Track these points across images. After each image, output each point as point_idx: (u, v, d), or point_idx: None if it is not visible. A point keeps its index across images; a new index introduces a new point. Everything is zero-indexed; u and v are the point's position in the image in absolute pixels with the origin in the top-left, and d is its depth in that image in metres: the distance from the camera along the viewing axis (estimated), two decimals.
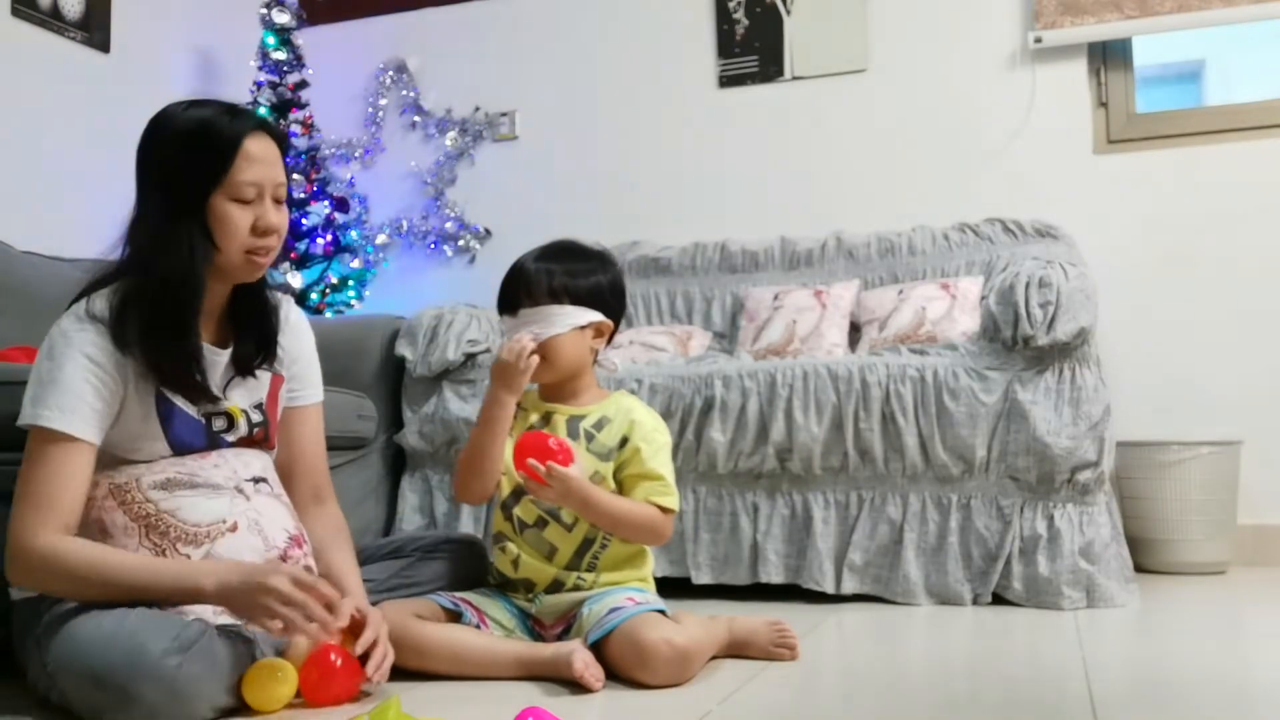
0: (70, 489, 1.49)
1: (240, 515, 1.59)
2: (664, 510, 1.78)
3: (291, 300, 1.85)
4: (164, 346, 1.55)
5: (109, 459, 1.58)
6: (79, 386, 1.50)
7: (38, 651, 1.48)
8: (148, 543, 1.51)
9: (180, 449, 1.60)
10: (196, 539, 1.54)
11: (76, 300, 1.57)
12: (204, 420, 1.63)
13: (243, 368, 1.68)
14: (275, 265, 3.67)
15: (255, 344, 1.70)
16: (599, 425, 1.82)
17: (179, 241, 1.54)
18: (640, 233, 3.52)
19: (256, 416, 1.70)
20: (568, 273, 1.82)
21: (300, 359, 1.81)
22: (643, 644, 1.59)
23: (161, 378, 1.56)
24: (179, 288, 1.54)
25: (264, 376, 1.73)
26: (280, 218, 1.61)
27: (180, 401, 1.60)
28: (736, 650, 1.81)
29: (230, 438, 1.66)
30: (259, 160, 1.57)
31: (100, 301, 1.55)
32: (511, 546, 1.81)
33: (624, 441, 1.81)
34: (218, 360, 1.66)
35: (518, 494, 1.82)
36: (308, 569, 1.69)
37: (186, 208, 1.54)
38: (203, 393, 1.60)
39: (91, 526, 1.53)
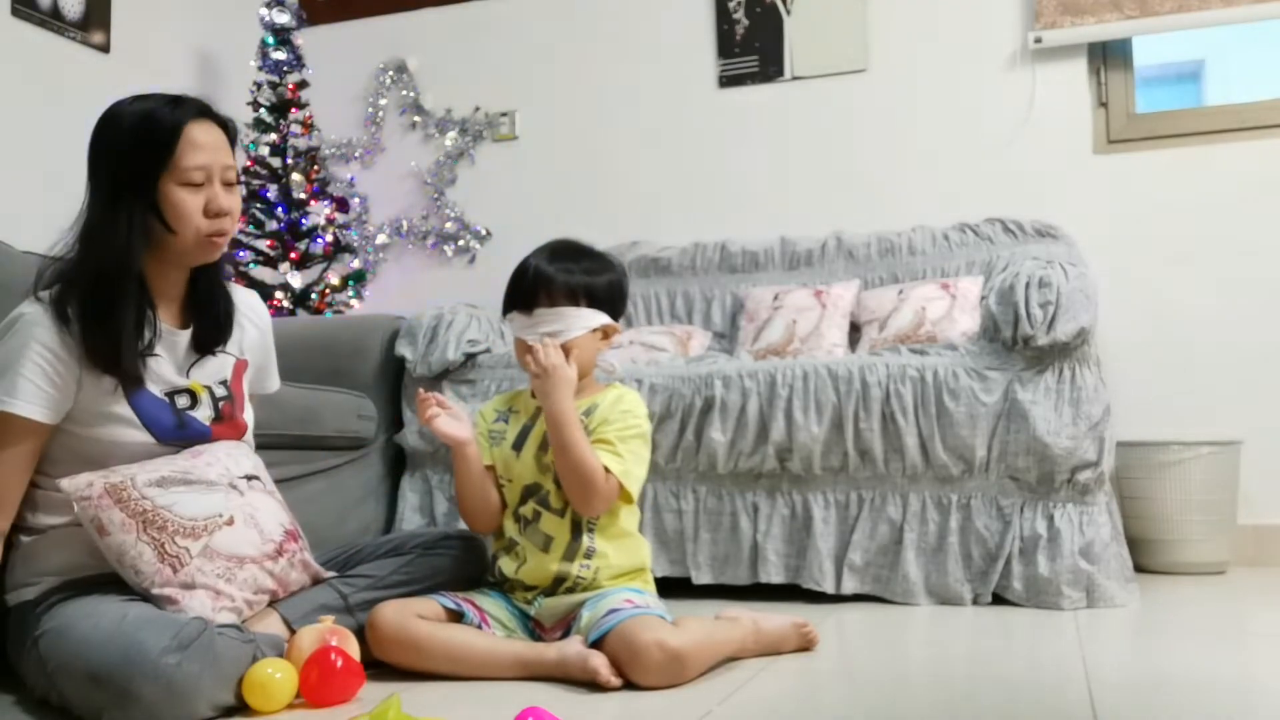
0: (3, 468, 1.53)
1: (236, 510, 1.61)
2: (609, 472, 1.77)
3: (256, 293, 1.90)
4: (95, 328, 1.57)
5: (93, 447, 1.60)
6: (28, 369, 1.53)
7: (36, 652, 1.48)
8: (145, 538, 1.52)
9: (153, 427, 1.63)
10: (194, 532, 1.55)
11: (33, 289, 1.61)
12: (167, 399, 1.66)
13: (203, 347, 1.73)
14: (275, 265, 3.70)
15: (214, 325, 1.75)
16: (588, 412, 1.84)
17: (118, 227, 1.58)
18: (640, 233, 3.52)
19: (221, 391, 1.74)
20: (586, 271, 1.85)
21: (267, 350, 1.89)
22: (635, 646, 1.59)
23: (93, 359, 1.57)
24: (112, 270, 1.58)
25: (226, 359, 1.77)
26: (231, 199, 1.65)
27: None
28: (767, 651, 1.83)
29: (197, 415, 1.69)
30: (203, 146, 1.62)
31: (52, 289, 1.60)
32: (520, 549, 1.83)
33: (604, 422, 1.84)
34: (177, 341, 1.70)
35: (524, 497, 1.85)
36: (303, 563, 1.71)
37: (130, 195, 1.59)
38: (127, 376, 1.61)
39: (89, 526, 1.53)
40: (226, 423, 1.74)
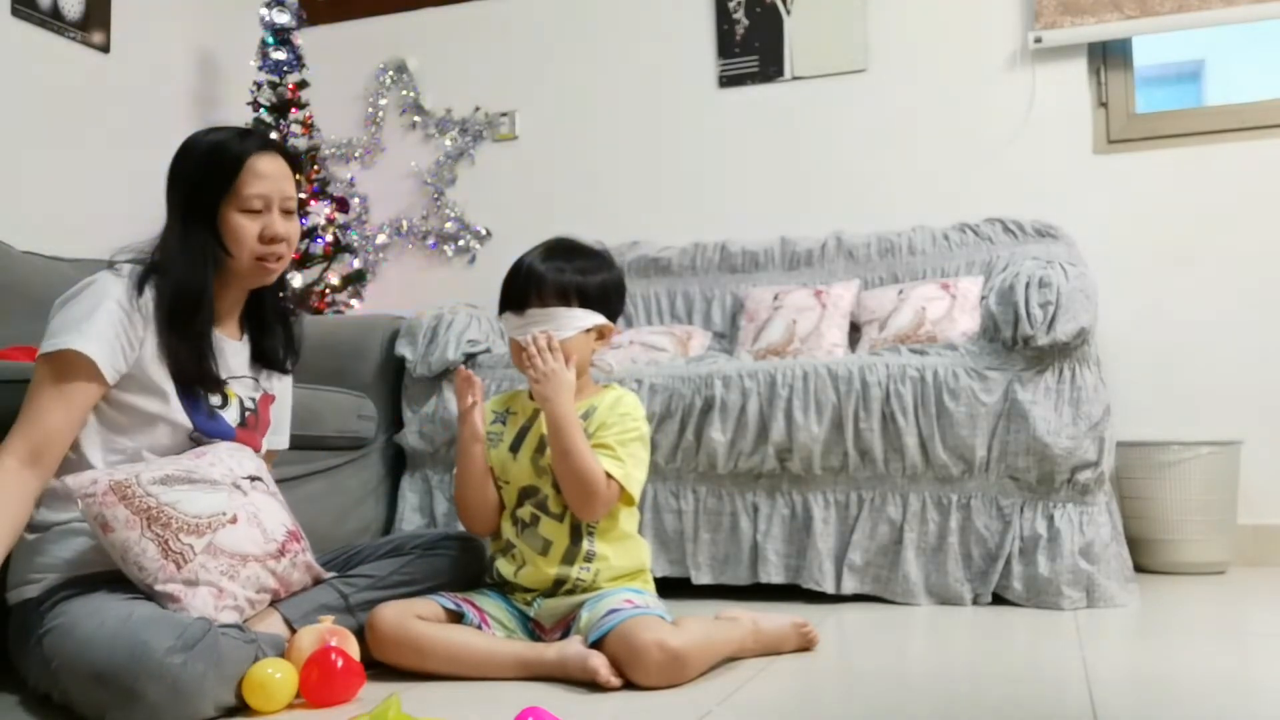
0: (56, 409, 1.56)
1: (239, 509, 1.62)
2: (609, 477, 1.76)
3: None
4: (177, 339, 1.66)
5: (131, 416, 1.64)
6: (101, 320, 1.59)
7: (39, 650, 1.49)
8: (150, 534, 1.52)
9: (189, 409, 1.69)
10: (198, 529, 1.56)
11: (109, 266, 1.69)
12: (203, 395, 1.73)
13: (269, 362, 1.84)
14: None
15: (283, 343, 1.86)
16: (585, 415, 1.84)
17: (191, 249, 1.69)
18: (640, 233, 3.52)
19: (249, 404, 1.80)
20: (578, 270, 1.83)
21: (284, 402, 1.95)
22: (636, 646, 1.59)
23: (176, 367, 1.67)
24: (191, 289, 1.68)
25: (258, 387, 1.84)
26: (288, 227, 1.75)
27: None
28: (767, 651, 1.83)
29: (227, 415, 1.75)
30: (265, 176, 1.71)
31: (130, 268, 1.68)
32: (518, 553, 1.82)
33: (603, 426, 1.83)
34: (224, 348, 1.77)
35: (521, 499, 1.84)
36: (306, 564, 1.71)
37: (200, 218, 1.69)
38: (210, 380, 1.71)
39: (93, 523, 1.53)
40: (249, 430, 1.79)
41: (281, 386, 1.94)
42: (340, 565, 1.85)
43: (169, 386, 1.66)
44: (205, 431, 1.70)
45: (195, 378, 1.69)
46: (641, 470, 1.83)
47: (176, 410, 1.67)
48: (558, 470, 1.77)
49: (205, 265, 1.69)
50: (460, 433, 1.84)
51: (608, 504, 1.78)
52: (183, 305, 1.67)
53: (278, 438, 1.95)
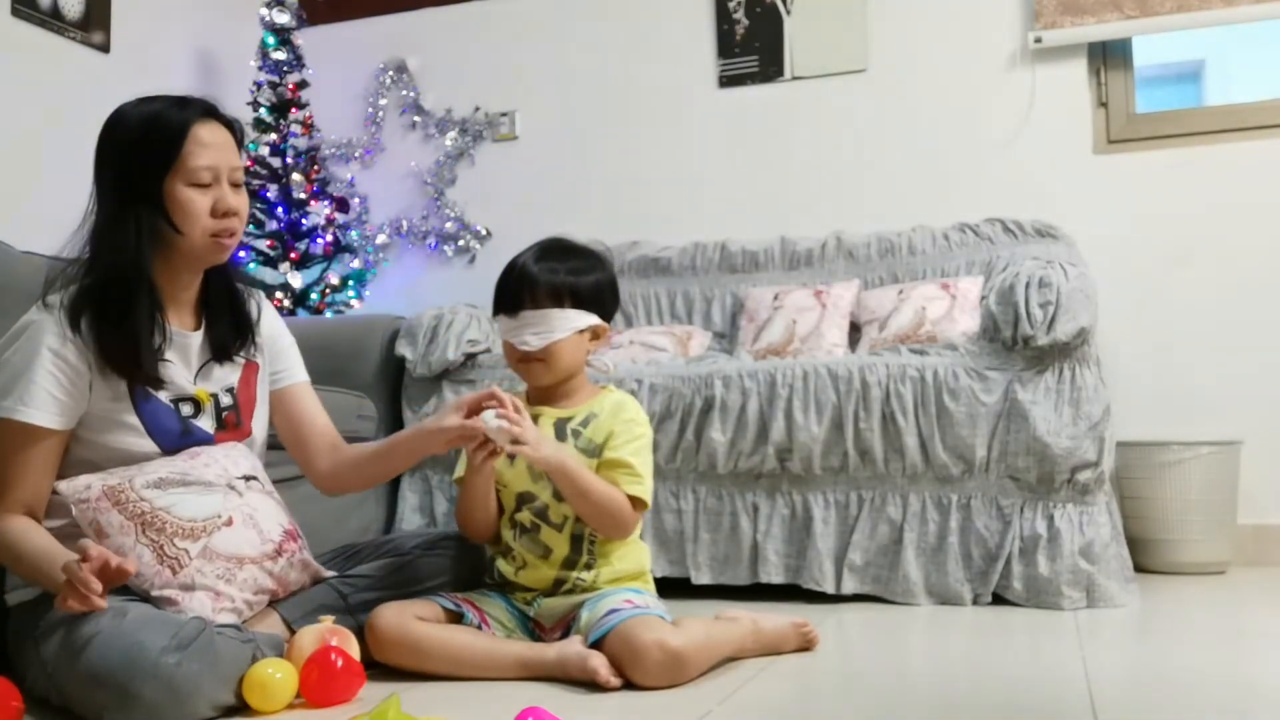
0: (30, 472, 1.55)
1: (235, 510, 1.61)
2: (632, 500, 1.76)
3: (261, 293, 1.89)
4: (110, 332, 1.57)
5: (98, 453, 1.60)
6: (41, 377, 1.54)
7: (37, 652, 1.49)
8: (145, 540, 1.52)
9: (158, 436, 1.63)
10: (193, 533, 1.55)
11: (42, 295, 1.61)
12: (173, 406, 1.66)
13: (220, 353, 1.73)
14: (275, 265, 3.70)
15: (232, 330, 1.74)
16: (586, 422, 1.83)
17: (126, 229, 1.58)
18: (640, 233, 3.52)
19: (226, 400, 1.74)
20: (571, 271, 1.82)
21: (279, 342, 1.86)
22: (636, 646, 1.59)
23: (110, 363, 1.58)
24: (123, 274, 1.58)
25: (236, 363, 1.77)
26: (239, 200, 1.65)
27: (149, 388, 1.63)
28: (766, 651, 1.83)
29: (202, 423, 1.69)
30: (211, 145, 1.61)
31: (61, 294, 1.60)
32: (516, 555, 1.82)
33: (611, 436, 1.81)
34: (189, 344, 1.69)
35: (519, 504, 1.84)
36: (303, 563, 1.71)
37: (138, 196, 1.58)
38: (147, 378, 1.61)
39: (88, 528, 1.53)
40: (230, 431, 1.74)
41: (272, 332, 1.84)
42: (340, 565, 1.85)
43: (130, 418, 1.61)
44: (181, 451, 1.65)
45: (129, 370, 1.58)
46: (652, 477, 1.84)
47: (145, 440, 1.62)
48: (580, 511, 1.75)
49: (141, 244, 1.58)
50: (469, 459, 1.77)
51: (635, 520, 1.80)
52: (117, 288, 1.57)
53: (292, 371, 1.86)
